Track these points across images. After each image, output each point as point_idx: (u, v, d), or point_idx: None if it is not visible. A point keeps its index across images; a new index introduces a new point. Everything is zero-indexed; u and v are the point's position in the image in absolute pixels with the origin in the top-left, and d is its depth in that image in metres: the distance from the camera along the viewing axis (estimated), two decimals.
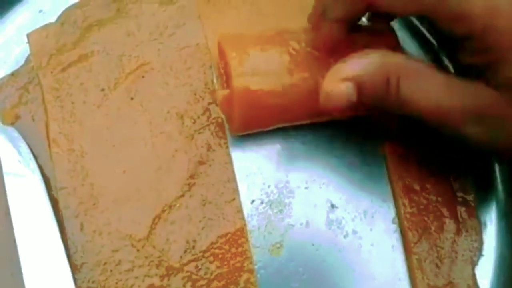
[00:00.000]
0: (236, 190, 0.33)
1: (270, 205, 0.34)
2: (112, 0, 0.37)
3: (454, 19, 0.27)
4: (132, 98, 0.35)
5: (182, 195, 0.33)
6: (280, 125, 0.34)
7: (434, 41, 0.38)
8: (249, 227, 0.33)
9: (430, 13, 0.28)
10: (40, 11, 0.37)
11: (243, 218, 0.33)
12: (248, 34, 0.34)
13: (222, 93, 0.33)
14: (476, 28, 0.26)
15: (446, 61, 0.37)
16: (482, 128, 0.28)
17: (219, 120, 0.35)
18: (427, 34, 0.39)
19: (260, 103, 0.32)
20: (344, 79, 0.27)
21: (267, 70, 0.32)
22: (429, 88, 0.27)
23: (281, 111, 0.33)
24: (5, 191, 0.32)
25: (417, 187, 0.34)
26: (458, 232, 0.33)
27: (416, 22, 0.39)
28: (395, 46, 0.33)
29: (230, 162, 0.34)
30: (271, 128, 0.34)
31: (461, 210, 0.34)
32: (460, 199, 0.34)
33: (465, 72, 0.29)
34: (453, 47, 0.29)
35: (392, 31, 0.34)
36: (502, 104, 0.27)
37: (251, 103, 0.32)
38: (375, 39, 0.32)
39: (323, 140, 0.35)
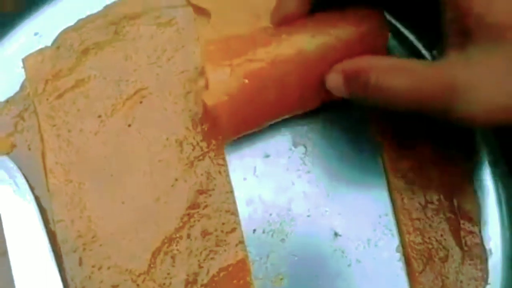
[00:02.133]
0: (237, 220, 0.33)
1: (272, 234, 0.33)
2: (109, 22, 0.36)
3: None
4: (129, 125, 0.34)
5: (182, 227, 0.32)
6: (270, 122, 0.34)
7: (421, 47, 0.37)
8: (250, 257, 0.32)
9: None
10: (36, 33, 0.36)
11: (245, 249, 0.32)
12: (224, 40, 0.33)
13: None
14: None
15: None
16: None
17: (219, 146, 0.34)
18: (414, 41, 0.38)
19: (242, 107, 0.32)
20: (338, 70, 0.31)
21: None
22: (410, 79, 0.28)
23: (264, 109, 0.33)
24: (0, 225, 0.31)
25: (421, 215, 0.33)
26: (463, 260, 0.33)
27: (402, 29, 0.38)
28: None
29: (230, 191, 0.33)
30: (262, 127, 0.34)
31: (466, 237, 0.33)
32: (464, 226, 0.33)
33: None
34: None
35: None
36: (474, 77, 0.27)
37: (234, 109, 0.32)
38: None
39: (325, 167, 0.35)
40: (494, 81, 0.26)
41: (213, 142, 0.34)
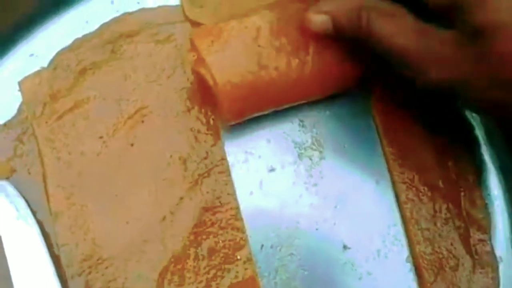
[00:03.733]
0: (244, 237, 0.32)
1: (280, 249, 0.33)
2: (105, 41, 0.35)
3: None
4: (132, 145, 0.33)
5: (189, 245, 0.32)
6: (273, 109, 0.34)
7: None
8: (259, 273, 0.32)
9: None
10: (31, 55, 0.36)
11: (253, 266, 0.32)
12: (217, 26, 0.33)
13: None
14: None
15: None
16: (443, 75, 0.28)
17: (224, 162, 0.33)
18: None
19: (245, 93, 0.32)
20: (321, 11, 0.31)
21: (245, 64, 0.32)
22: (398, 27, 0.29)
23: (267, 95, 0.32)
24: (3, 251, 0.30)
25: (430, 225, 0.33)
26: (474, 269, 0.33)
27: None
28: None
29: (237, 207, 0.33)
30: (264, 112, 0.34)
31: (476, 246, 0.33)
32: (474, 235, 0.33)
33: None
34: None
35: None
36: (468, 56, 0.27)
37: (237, 95, 0.32)
38: None
39: (331, 179, 0.34)
40: None
41: (218, 158, 0.33)
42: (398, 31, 0.29)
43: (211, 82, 0.32)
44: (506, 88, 0.27)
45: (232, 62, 0.32)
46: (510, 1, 0.26)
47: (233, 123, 0.34)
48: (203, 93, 0.34)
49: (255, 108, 0.33)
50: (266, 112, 0.34)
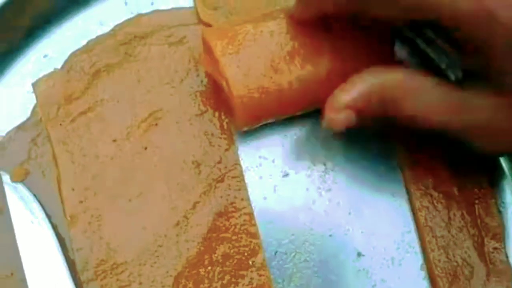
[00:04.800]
0: (258, 243, 0.32)
1: (294, 255, 0.33)
2: (119, 42, 0.35)
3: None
4: (146, 148, 0.33)
5: (203, 251, 0.32)
6: (288, 114, 0.34)
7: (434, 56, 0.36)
8: (273, 279, 0.32)
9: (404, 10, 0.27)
10: (45, 56, 0.35)
11: (267, 272, 0.32)
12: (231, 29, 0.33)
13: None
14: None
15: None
16: (484, 139, 0.28)
17: (237, 166, 0.33)
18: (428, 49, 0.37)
19: (260, 97, 0.31)
20: (342, 107, 0.29)
21: (260, 69, 0.31)
22: (427, 104, 0.28)
23: (280, 104, 0.32)
24: (19, 256, 0.30)
25: (444, 232, 0.33)
26: (488, 277, 0.32)
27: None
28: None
29: (251, 213, 0.33)
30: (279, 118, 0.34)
31: (491, 254, 0.33)
32: (489, 243, 0.33)
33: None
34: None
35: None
36: (500, 117, 0.27)
37: (251, 99, 0.31)
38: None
39: (345, 185, 0.34)
40: None
41: (232, 162, 0.33)
42: (429, 108, 0.28)
43: (225, 85, 0.32)
44: None
45: (247, 65, 0.31)
46: None
47: (246, 128, 0.33)
48: (217, 95, 0.34)
49: (269, 113, 0.33)
50: (281, 118, 0.33)
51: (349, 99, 0.29)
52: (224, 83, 0.32)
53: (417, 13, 0.26)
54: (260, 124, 0.33)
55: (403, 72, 0.29)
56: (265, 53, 0.31)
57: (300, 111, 0.33)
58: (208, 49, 0.32)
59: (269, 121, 0.33)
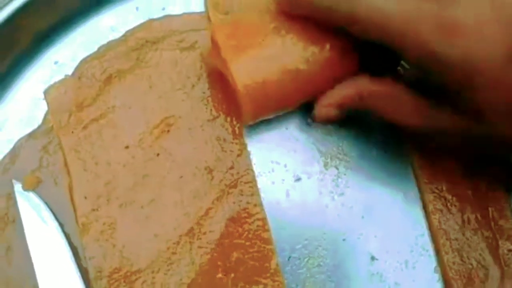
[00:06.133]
0: (272, 248, 0.32)
1: (308, 260, 0.33)
2: (130, 48, 0.35)
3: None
4: (158, 154, 0.33)
5: (216, 258, 0.31)
6: (289, 108, 0.33)
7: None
8: (287, 284, 0.32)
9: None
10: (56, 62, 0.35)
11: (281, 278, 0.31)
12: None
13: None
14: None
15: None
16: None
17: (250, 172, 0.33)
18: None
19: (266, 94, 0.31)
20: (328, 105, 0.32)
21: (267, 60, 0.31)
22: (397, 109, 0.30)
23: (285, 93, 0.32)
24: (31, 264, 0.30)
25: (459, 235, 0.33)
26: (503, 280, 0.32)
27: None
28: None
29: (264, 218, 0.32)
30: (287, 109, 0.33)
31: (505, 256, 0.33)
32: (503, 245, 0.33)
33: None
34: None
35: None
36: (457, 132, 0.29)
37: (258, 95, 0.31)
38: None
39: (358, 188, 0.34)
40: None
41: (244, 167, 0.33)
42: (400, 112, 0.30)
43: (230, 79, 0.31)
44: None
45: (251, 55, 0.31)
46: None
47: (253, 121, 0.33)
48: (227, 98, 0.34)
49: (275, 104, 0.32)
50: (289, 110, 0.33)
51: (333, 98, 0.32)
52: (230, 77, 0.31)
53: (372, 36, 0.28)
54: (267, 116, 0.33)
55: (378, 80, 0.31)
56: (269, 42, 0.31)
57: (304, 100, 0.33)
58: (214, 43, 0.32)
59: (276, 114, 0.33)
